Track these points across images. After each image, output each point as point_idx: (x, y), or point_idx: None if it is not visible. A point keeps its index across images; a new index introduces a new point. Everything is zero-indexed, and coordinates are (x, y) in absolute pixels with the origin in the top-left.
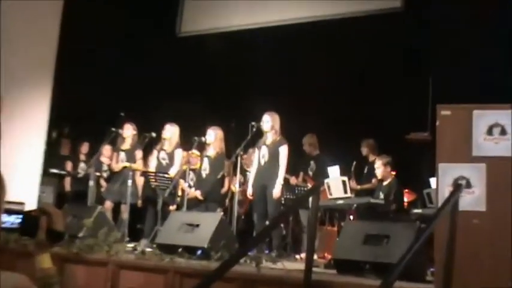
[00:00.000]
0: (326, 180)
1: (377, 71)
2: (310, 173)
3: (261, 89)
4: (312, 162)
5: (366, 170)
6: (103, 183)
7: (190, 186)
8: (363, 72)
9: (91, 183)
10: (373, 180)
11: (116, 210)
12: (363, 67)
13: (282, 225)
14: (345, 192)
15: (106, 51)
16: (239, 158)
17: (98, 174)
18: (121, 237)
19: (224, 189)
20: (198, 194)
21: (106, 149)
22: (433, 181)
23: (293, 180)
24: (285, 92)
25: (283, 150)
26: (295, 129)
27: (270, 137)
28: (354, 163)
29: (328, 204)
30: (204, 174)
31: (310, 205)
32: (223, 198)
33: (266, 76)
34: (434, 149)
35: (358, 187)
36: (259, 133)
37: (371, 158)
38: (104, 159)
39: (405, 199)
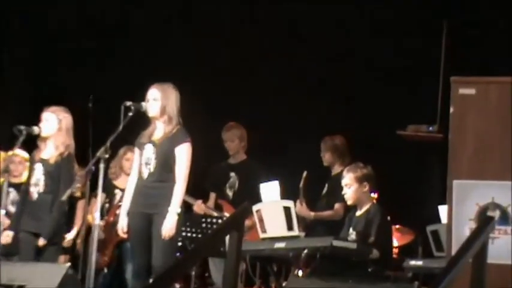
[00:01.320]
0: (256, 207)
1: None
2: (229, 193)
3: (148, 48)
4: (232, 175)
5: (326, 188)
6: None
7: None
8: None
9: None
10: (338, 206)
11: None
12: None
13: (177, 286)
14: (289, 227)
15: None
16: (101, 165)
17: None
18: None
19: (75, 224)
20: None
21: None
22: (442, 211)
23: (199, 206)
24: (192, 58)
25: (183, 152)
26: (207, 118)
27: (160, 128)
28: (305, 175)
29: (259, 249)
30: (35, 193)
31: (227, 251)
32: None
33: (157, 29)
34: (446, 154)
35: (312, 214)
36: (142, 121)
37: (336, 168)
38: None
39: (395, 242)
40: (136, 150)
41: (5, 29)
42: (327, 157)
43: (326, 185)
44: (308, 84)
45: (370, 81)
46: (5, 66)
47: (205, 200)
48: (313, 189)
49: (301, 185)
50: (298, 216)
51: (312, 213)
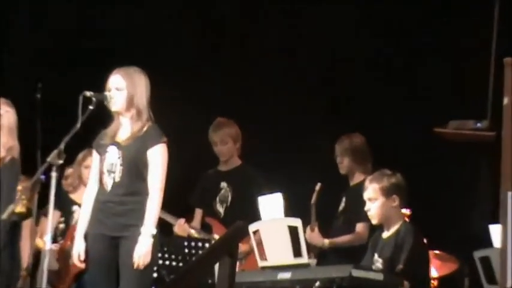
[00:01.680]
0: (254, 226)
1: None
2: (220, 208)
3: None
4: (223, 185)
5: (343, 204)
6: None
7: None
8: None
9: None
10: (360, 227)
11: None
12: None
13: None
14: (296, 253)
15: None
16: (54, 174)
17: None
18: None
19: (22, 251)
20: None
21: None
22: (494, 231)
23: (180, 226)
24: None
25: (158, 155)
26: (189, 112)
27: (126, 125)
28: (318, 187)
29: (258, 282)
30: None
31: (217, 284)
32: (15, 267)
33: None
34: (498, 157)
35: (327, 242)
36: (104, 116)
37: (356, 177)
38: None
39: (433, 271)
40: (96, 154)
41: None
42: (345, 163)
43: (343, 199)
44: (308, 84)
45: (406, 64)
46: None
47: (188, 218)
48: (326, 204)
49: (313, 200)
50: (308, 240)
51: (327, 241)
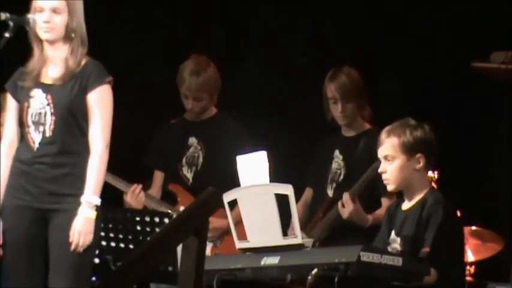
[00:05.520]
0: (230, 195)
1: None
2: (188, 172)
3: None
4: (192, 141)
5: (340, 164)
6: None
7: None
8: None
9: None
10: (387, 203)
11: None
12: None
13: None
14: (287, 231)
15: None
16: None
17: None
18: None
19: None
20: None
21: None
22: None
23: (133, 195)
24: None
25: (101, 100)
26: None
27: (57, 60)
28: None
29: (235, 269)
30: None
31: (180, 271)
32: None
33: None
34: None
35: (370, 218)
36: (22, 48)
37: (357, 126)
38: None
39: (469, 255)
40: (12, 100)
41: None
42: (349, 110)
43: (341, 159)
44: None
45: None
46: None
47: (145, 184)
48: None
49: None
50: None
51: (371, 217)
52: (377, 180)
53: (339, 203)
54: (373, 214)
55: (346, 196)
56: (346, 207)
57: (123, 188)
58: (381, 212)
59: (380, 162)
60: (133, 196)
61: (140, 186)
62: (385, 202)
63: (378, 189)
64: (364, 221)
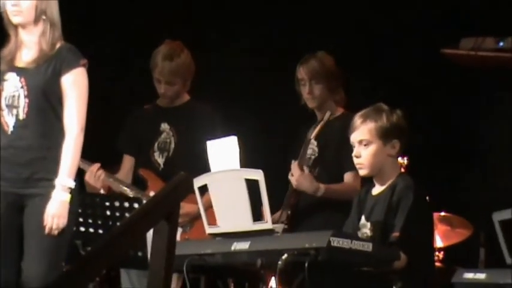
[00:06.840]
0: (200, 180)
1: None
2: (159, 158)
3: None
4: (164, 127)
5: (313, 147)
6: None
7: None
8: None
9: None
10: (349, 177)
11: None
12: None
13: None
14: (257, 216)
15: None
16: None
17: None
18: None
19: None
20: None
21: None
22: None
23: (92, 173)
24: None
25: (76, 83)
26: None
27: (31, 44)
28: (327, 116)
29: (205, 254)
30: None
31: (150, 257)
32: None
33: None
34: None
35: (322, 187)
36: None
37: (329, 109)
38: None
39: (438, 240)
40: None
41: None
42: (317, 92)
43: (312, 142)
44: None
45: None
46: None
47: (115, 169)
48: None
49: (313, 135)
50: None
51: (322, 186)
52: (342, 158)
53: (289, 174)
54: (327, 185)
55: (293, 164)
56: (294, 175)
57: (85, 168)
58: (337, 186)
59: (328, 114)
60: (92, 175)
61: (99, 165)
62: (347, 178)
63: (343, 167)
64: (314, 188)
